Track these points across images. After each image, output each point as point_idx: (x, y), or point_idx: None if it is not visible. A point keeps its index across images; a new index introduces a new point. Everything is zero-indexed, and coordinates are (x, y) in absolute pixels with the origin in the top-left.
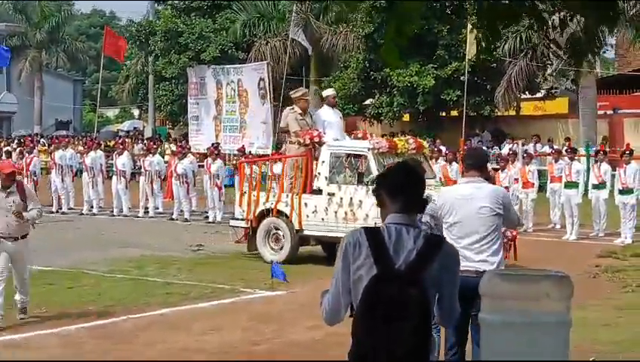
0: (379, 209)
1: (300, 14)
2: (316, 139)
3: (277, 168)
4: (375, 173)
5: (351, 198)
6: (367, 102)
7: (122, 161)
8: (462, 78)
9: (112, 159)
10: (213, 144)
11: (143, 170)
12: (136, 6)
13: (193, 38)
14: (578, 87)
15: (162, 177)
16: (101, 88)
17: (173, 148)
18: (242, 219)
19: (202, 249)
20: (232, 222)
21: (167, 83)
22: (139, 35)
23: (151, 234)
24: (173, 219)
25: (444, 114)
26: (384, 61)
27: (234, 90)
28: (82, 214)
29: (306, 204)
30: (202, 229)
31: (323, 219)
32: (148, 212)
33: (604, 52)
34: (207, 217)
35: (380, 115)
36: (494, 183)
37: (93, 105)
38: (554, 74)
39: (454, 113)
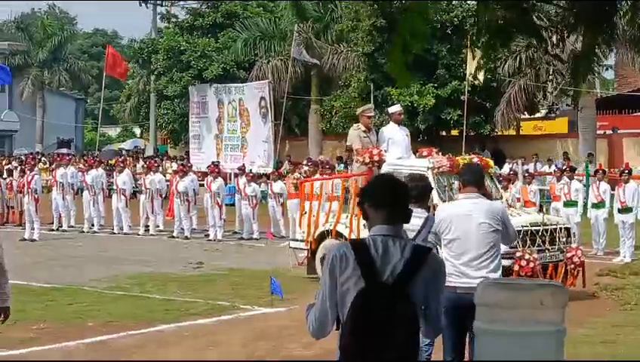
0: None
1: (301, 34)
2: (376, 158)
3: (276, 187)
4: (435, 193)
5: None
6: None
7: (122, 179)
8: (462, 97)
9: (113, 177)
10: (213, 162)
11: (143, 188)
12: (139, 25)
13: (196, 57)
14: (578, 107)
15: (163, 195)
16: (103, 107)
17: (174, 166)
18: (302, 241)
19: (202, 266)
20: (292, 244)
21: (168, 102)
22: (141, 53)
23: (151, 251)
24: (173, 237)
25: (444, 133)
26: (395, 79)
27: (235, 109)
28: (83, 232)
29: (364, 226)
30: (202, 247)
31: None
32: (148, 230)
33: (606, 69)
34: (207, 235)
35: None
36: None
37: (95, 123)
38: (554, 93)
39: (454, 132)
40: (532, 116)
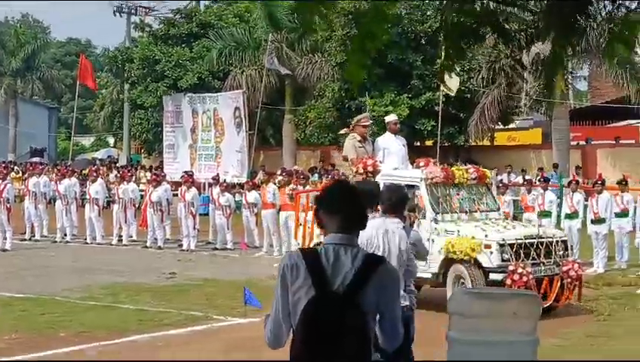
0: (430, 243)
1: (274, 43)
2: (370, 168)
3: (250, 197)
4: (428, 205)
5: None
6: (343, 131)
7: (95, 189)
8: (436, 108)
9: (86, 187)
10: (187, 172)
11: (116, 197)
12: (113, 34)
13: (170, 66)
14: (551, 118)
15: (136, 205)
16: (76, 116)
17: (148, 176)
18: None
19: (175, 276)
20: None
21: (142, 111)
22: (115, 61)
23: (124, 261)
24: (147, 247)
25: (418, 143)
26: (347, 77)
27: (210, 119)
28: (56, 242)
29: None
30: (176, 257)
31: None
32: (122, 239)
33: (577, 77)
34: (181, 245)
35: None
36: (413, 222)
37: (68, 133)
38: (528, 103)
39: (429, 143)
40: (506, 127)
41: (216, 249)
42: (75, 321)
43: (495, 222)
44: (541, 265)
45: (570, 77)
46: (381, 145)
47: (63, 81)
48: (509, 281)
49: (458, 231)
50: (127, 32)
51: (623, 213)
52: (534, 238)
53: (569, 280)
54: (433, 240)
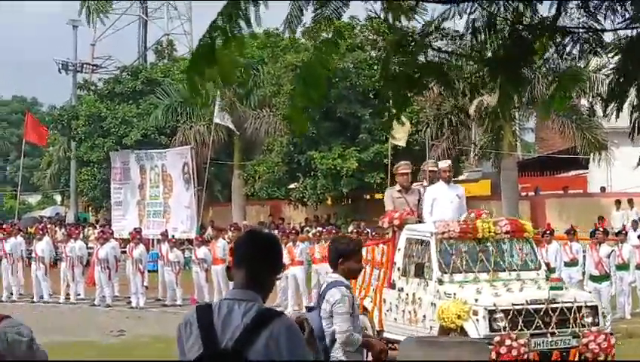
0: (433, 308)
1: (224, 99)
2: (397, 221)
3: (200, 252)
4: (435, 264)
5: (414, 294)
6: (292, 185)
7: (42, 247)
8: (385, 160)
9: (33, 245)
10: (135, 229)
11: (64, 255)
12: (59, 92)
13: (116, 123)
14: (500, 169)
15: (84, 263)
16: (23, 174)
17: (97, 233)
18: None
19: (124, 334)
20: None
21: (89, 168)
22: (61, 119)
23: (72, 320)
24: (95, 305)
25: (368, 196)
26: (290, 123)
27: (158, 175)
28: (2, 301)
29: (384, 300)
30: (124, 314)
31: (395, 319)
32: (69, 298)
33: (525, 128)
34: (129, 302)
35: (305, 198)
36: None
37: (14, 191)
38: (476, 156)
39: (378, 196)
40: (455, 178)
41: (165, 306)
42: None
43: (509, 283)
44: (548, 335)
45: (518, 128)
46: (430, 195)
47: (9, 139)
48: (494, 355)
49: (454, 294)
50: (72, 90)
51: (573, 263)
52: (542, 303)
53: (590, 354)
54: (435, 305)
